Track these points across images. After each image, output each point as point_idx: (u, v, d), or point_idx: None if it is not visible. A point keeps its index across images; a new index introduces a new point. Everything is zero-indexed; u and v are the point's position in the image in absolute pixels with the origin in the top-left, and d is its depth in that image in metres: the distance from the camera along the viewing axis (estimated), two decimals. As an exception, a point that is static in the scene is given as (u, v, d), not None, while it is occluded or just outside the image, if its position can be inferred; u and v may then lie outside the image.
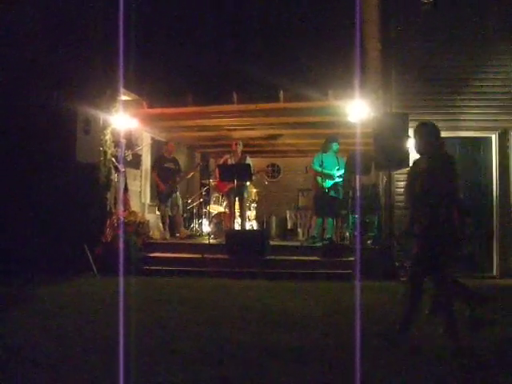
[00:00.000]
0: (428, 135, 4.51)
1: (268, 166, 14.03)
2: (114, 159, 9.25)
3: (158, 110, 9.81)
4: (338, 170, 9.35)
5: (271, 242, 9.46)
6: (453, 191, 4.32)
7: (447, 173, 4.34)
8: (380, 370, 3.65)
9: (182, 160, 11.96)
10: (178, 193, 10.20)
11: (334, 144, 9.41)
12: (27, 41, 8.91)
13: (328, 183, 9.31)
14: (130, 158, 9.95)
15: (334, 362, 3.82)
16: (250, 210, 10.73)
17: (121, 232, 8.52)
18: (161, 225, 10.23)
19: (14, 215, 8.62)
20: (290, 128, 10.79)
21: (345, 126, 9.36)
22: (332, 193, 9.31)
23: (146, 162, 11.04)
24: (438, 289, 4.54)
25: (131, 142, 10.15)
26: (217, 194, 11.08)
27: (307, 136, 11.44)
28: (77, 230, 8.44)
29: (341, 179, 9.42)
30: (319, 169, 9.33)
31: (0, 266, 7.60)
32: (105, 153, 9.13)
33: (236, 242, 8.55)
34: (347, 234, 9.45)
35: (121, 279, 6.67)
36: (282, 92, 9.04)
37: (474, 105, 8.63)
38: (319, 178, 9.44)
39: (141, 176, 10.87)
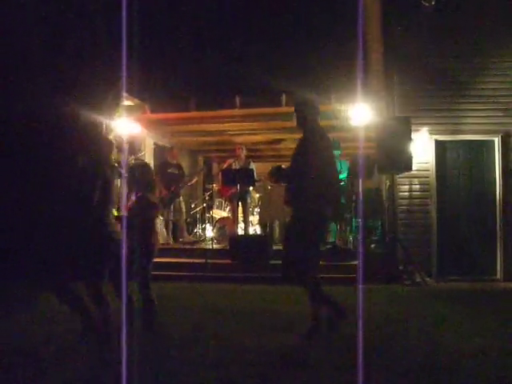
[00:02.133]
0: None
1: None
2: (116, 164, 9.25)
3: (161, 115, 9.83)
4: (340, 173, 9.34)
5: (274, 247, 9.44)
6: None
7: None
8: (381, 374, 3.64)
9: (185, 165, 11.97)
10: (181, 198, 10.20)
11: (336, 151, 9.38)
12: (30, 46, 8.94)
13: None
14: (132, 163, 9.96)
15: (337, 366, 3.81)
16: (253, 214, 10.72)
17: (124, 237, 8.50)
18: (164, 230, 10.22)
19: (17, 220, 8.63)
20: (292, 132, 10.77)
21: (347, 130, 9.35)
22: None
23: (149, 167, 11.03)
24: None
25: (134, 147, 10.16)
26: (220, 199, 11.08)
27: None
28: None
29: (342, 183, 9.41)
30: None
31: (3, 269, 7.61)
32: (107, 158, 9.13)
33: (239, 247, 8.54)
34: (350, 238, 9.44)
35: (124, 284, 6.64)
36: (284, 96, 9.05)
37: (476, 108, 8.61)
38: None
39: (144, 181, 10.86)
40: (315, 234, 4.58)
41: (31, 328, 5.06)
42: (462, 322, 5.25)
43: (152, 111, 9.76)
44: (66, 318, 4.95)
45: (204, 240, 10.53)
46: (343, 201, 9.46)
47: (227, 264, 8.50)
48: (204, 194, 11.52)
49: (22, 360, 3.98)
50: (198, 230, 11.07)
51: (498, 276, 8.48)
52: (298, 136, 5.09)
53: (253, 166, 9.87)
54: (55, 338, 4.61)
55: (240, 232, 9.90)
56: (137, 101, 9.88)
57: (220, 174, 10.31)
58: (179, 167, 10.34)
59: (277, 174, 4.88)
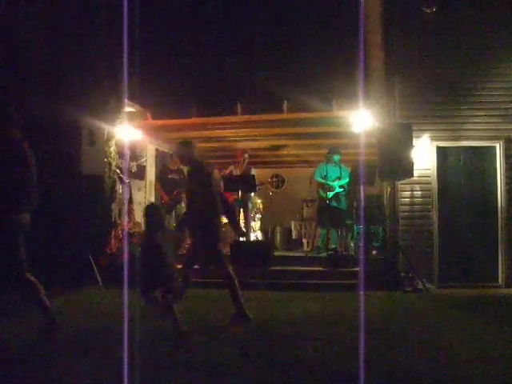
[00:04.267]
0: None
1: (272, 177, 14.04)
2: (118, 170, 9.28)
3: (163, 122, 9.83)
4: (339, 179, 9.37)
5: (276, 253, 9.44)
6: None
7: None
8: (382, 379, 3.64)
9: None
10: (182, 204, 10.19)
11: (335, 156, 9.41)
12: (32, 51, 8.97)
13: (329, 194, 9.32)
14: (134, 169, 9.98)
15: (338, 371, 3.80)
16: (254, 220, 10.72)
17: (126, 243, 8.53)
18: (165, 235, 10.20)
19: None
20: (293, 138, 10.79)
21: (349, 136, 9.36)
22: (334, 203, 9.32)
23: (151, 173, 11.06)
24: None
25: (135, 154, 10.18)
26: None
27: (311, 146, 11.44)
28: (82, 241, 8.45)
29: (342, 189, 9.43)
30: (321, 180, 9.37)
31: (5, 276, 7.60)
32: (109, 164, 9.17)
33: (241, 253, 8.54)
34: (352, 244, 9.44)
35: (126, 290, 6.65)
36: (285, 103, 9.06)
37: (478, 114, 8.62)
38: (320, 190, 9.51)
39: (145, 187, 10.89)
40: None
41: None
42: (464, 328, 5.25)
43: (154, 117, 9.76)
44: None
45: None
46: (344, 207, 9.48)
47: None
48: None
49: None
50: (199, 235, 11.03)
51: (500, 282, 8.46)
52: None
53: (253, 172, 9.88)
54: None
55: (241, 238, 9.89)
56: (138, 107, 9.90)
57: (221, 180, 10.30)
58: (180, 173, 10.33)
59: None
